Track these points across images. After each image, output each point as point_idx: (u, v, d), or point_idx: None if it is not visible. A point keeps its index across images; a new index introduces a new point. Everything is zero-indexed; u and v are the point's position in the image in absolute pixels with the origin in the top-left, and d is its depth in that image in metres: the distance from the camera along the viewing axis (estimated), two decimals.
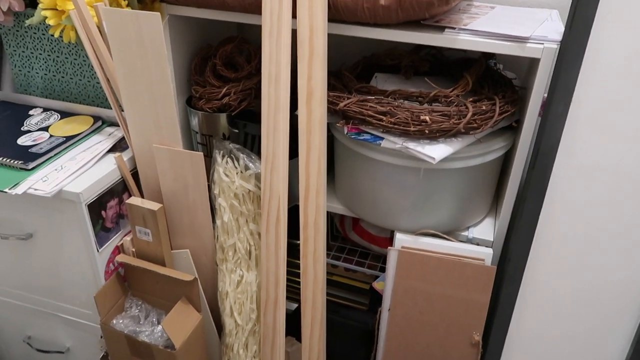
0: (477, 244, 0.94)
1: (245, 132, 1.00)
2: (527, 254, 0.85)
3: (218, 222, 0.99)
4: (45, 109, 1.11)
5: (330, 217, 1.20)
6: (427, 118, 0.80)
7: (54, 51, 1.06)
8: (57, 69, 1.08)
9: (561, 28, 0.83)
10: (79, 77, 1.07)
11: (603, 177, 0.78)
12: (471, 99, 0.85)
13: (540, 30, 0.81)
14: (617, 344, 0.89)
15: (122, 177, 0.99)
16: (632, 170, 0.77)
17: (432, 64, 1.01)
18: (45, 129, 1.04)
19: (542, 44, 0.77)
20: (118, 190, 0.99)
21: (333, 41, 0.86)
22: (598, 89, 0.74)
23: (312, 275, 0.92)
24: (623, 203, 0.79)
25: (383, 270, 1.11)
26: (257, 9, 0.85)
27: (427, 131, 0.81)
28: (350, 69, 1.01)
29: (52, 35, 0.99)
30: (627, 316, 0.86)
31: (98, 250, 0.96)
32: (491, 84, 0.92)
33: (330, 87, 0.93)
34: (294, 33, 0.82)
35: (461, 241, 0.95)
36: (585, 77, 0.74)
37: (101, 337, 1.06)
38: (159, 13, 0.82)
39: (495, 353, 0.94)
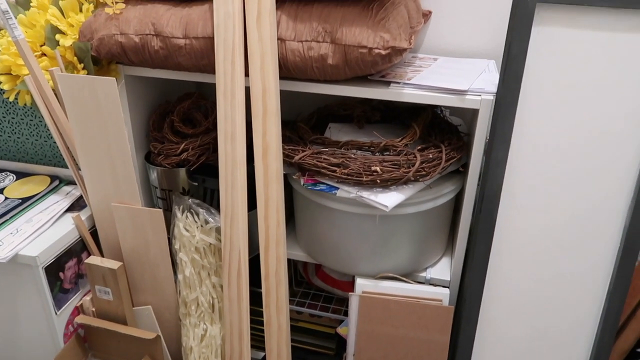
0: (435, 285, 0.97)
1: (205, 186, 1.02)
2: (481, 294, 0.89)
3: (180, 276, 0.99)
4: (1, 170, 1.10)
5: (294, 263, 1.21)
6: (378, 168, 0.84)
7: (9, 113, 1.06)
8: (13, 130, 1.08)
9: (497, 79, 0.89)
10: (35, 138, 1.07)
11: (547, 215, 0.83)
12: (419, 147, 0.90)
13: (478, 82, 0.87)
14: None
15: (80, 237, 0.98)
16: (574, 207, 0.82)
17: (383, 112, 1.07)
18: (1, 191, 1.03)
19: (480, 95, 0.83)
20: (77, 250, 0.98)
21: (288, 93, 0.90)
22: (533, 135, 0.80)
23: (275, 326, 0.93)
24: (567, 240, 0.84)
25: (347, 313, 1.12)
26: (211, 70, 0.89)
27: (379, 180, 0.84)
28: (306, 120, 1.05)
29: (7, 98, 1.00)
30: (581, 349, 0.90)
31: (56, 313, 0.94)
32: (438, 131, 0.97)
33: (286, 139, 0.97)
34: (247, 90, 0.86)
35: (420, 282, 0.98)
36: (521, 124, 0.80)
37: None
38: (114, 78, 0.84)
39: None
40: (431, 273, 0.98)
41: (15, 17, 0.94)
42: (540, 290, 0.88)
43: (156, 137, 1.05)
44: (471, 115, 1.04)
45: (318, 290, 1.19)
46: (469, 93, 0.83)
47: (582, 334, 0.89)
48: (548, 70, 0.77)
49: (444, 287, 0.95)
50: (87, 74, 0.94)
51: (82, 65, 0.95)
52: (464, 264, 0.95)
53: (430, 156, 0.87)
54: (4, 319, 0.97)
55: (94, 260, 0.96)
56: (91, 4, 0.97)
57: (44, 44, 0.94)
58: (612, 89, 0.75)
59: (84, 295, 1.01)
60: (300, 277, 1.23)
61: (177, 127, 1.04)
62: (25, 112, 1.05)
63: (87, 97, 0.87)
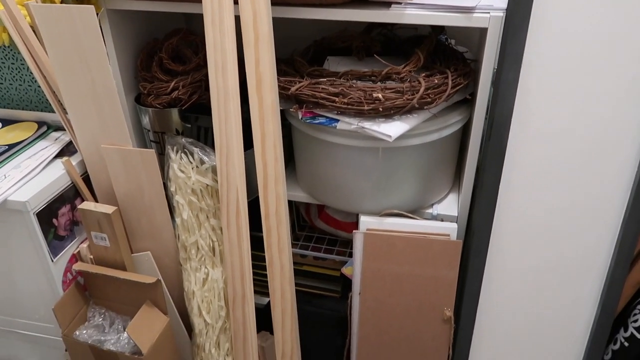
0: (442, 220, 0.93)
1: (198, 125, 0.97)
2: (490, 226, 0.85)
3: (177, 220, 0.96)
4: None
5: (296, 206, 1.18)
6: (380, 95, 0.79)
7: None
8: None
9: None
10: (18, 82, 1.02)
11: (559, 142, 0.78)
12: (424, 74, 0.84)
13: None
14: (584, 309, 0.90)
15: (72, 182, 0.94)
16: (586, 133, 0.77)
17: (383, 43, 1.00)
18: None
19: (489, 13, 0.76)
20: (69, 196, 0.94)
21: (282, 27, 0.84)
22: (547, 54, 0.74)
23: (278, 266, 0.90)
24: (580, 167, 0.79)
25: (352, 255, 1.09)
26: None
27: (381, 109, 0.79)
28: (302, 53, 0.99)
29: None
30: (593, 280, 0.87)
31: (52, 260, 0.91)
32: (443, 58, 0.91)
33: (282, 73, 0.91)
34: (237, 20, 0.80)
35: (426, 219, 0.94)
36: (533, 42, 0.74)
37: (66, 350, 1.01)
38: (92, 6, 0.78)
39: (467, 327, 0.94)
40: (438, 209, 0.95)
41: None
42: (552, 220, 0.84)
43: (145, 77, 1.00)
44: (478, 41, 0.98)
45: (321, 233, 1.16)
46: (476, 10, 0.77)
47: (594, 264, 0.86)
48: None
49: (451, 222, 0.92)
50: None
51: None
52: (472, 198, 0.91)
53: (436, 82, 0.81)
54: (0, 268, 0.95)
55: (88, 205, 0.92)
56: None
57: None
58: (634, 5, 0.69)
59: (81, 243, 0.98)
60: (303, 221, 1.20)
61: (167, 65, 0.98)
62: (6, 55, 0.99)
63: (65, 29, 0.81)
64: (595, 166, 0.79)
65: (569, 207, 0.83)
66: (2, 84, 1.03)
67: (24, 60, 0.94)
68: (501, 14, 0.76)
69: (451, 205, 0.96)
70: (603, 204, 0.81)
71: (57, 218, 0.92)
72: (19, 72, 1.00)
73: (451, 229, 0.89)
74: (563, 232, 0.85)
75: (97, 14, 0.91)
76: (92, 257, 0.97)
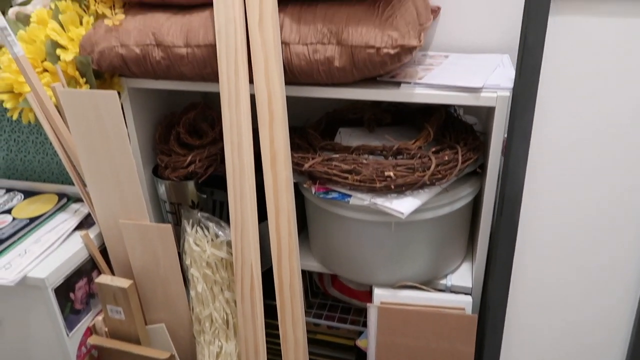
0: (456, 292, 0.93)
1: (213, 199, 0.99)
2: (505, 300, 0.84)
3: (192, 293, 0.96)
4: (9, 190, 1.09)
5: (309, 273, 1.18)
6: (392, 173, 0.80)
7: (15, 131, 1.05)
8: (19, 148, 1.06)
9: (512, 74, 0.85)
10: (41, 155, 1.06)
11: (571, 214, 0.79)
12: (434, 149, 0.86)
13: (492, 78, 0.83)
14: None
15: (90, 255, 0.96)
16: (598, 206, 0.77)
17: (394, 114, 1.03)
18: (9, 211, 1.01)
19: (496, 92, 0.78)
20: (87, 269, 0.96)
21: (295, 99, 0.87)
22: (554, 130, 0.75)
23: (292, 341, 0.90)
24: (593, 238, 0.79)
25: (366, 324, 1.08)
26: (215, 78, 0.86)
27: (393, 186, 0.80)
28: (315, 125, 1.02)
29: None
30: (615, 350, 0.85)
31: (68, 335, 0.92)
32: (453, 131, 0.93)
33: (295, 146, 0.93)
34: (253, 97, 0.83)
35: (440, 290, 0.93)
36: (541, 120, 0.76)
37: None
38: (115, 91, 0.82)
39: None
40: (452, 280, 0.94)
41: (15, 34, 0.92)
42: (569, 293, 0.83)
43: (163, 150, 1.03)
44: (487, 113, 1.00)
45: (335, 300, 1.16)
46: (484, 90, 0.79)
47: (615, 337, 0.84)
48: (567, 61, 0.72)
49: (465, 294, 0.91)
50: (90, 88, 0.92)
51: (85, 79, 0.93)
52: (486, 269, 0.91)
53: (446, 158, 0.83)
54: (15, 342, 0.95)
55: (104, 279, 0.93)
56: (91, 17, 0.95)
57: (45, 60, 0.92)
58: (635, 77, 0.71)
59: (96, 315, 0.99)
60: (316, 288, 1.19)
61: (184, 139, 1.01)
62: (31, 130, 1.03)
63: (89, 111, 0.85)
64: (607, 237, 0.79)
65: (585, 279, 0.82)
66: (26, 156, 1.07)
67: (48, 136, 0.98)
68: (508, 93, 0.78)
69: (465, 275, 0.96)
70: (619, 275, 0.80)
71: (74, 292, 0.93)
72: (42, 146, 1.04)
73: (466, 302, 0.88)
74: (582, 306, 0.83)
75: (119, 93, 0.96)
76: (107, 329, 0.97)
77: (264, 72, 0.81)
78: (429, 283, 0.93)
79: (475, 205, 0.96)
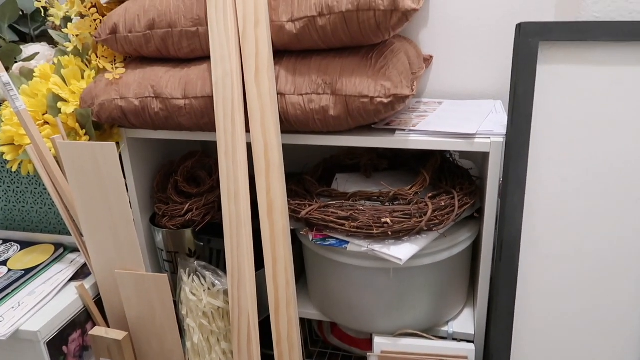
0: (459, 339, 0.91)
1: (210, 247, 0.98)
2: (509, 346, 0.82)
3: (188, 344, 0.94)
4: (5, 241, 1.08)
5: (309, 321, 1.16)
6: (389, 220, 0.80)
7: (14, 182, 1.05)
8: (17, 199, 1.07)
9: (505, 120, 0.86)
10: (39, 206, 1.06)
11: (571, 260, 0.78)
12: (430, 194, 0.86)
13: (486, 124, 0.84)
14: None
15: (85, 307, 0.94)
16: (597, 252, 0.77)
17: (390, 159, 1.04)
18: (4, 262, 1.00)
19: (489, 138, 0.80)
20: (81, 321, 0.94)
21: (292, 146, 0.88)
22: (549, 175, 0.76)
23: None
24: (595, 283, 0.78)
25: None
26: (212, 128, 0.87)
27: (390, 232, 0.80)
28: (312, 172, 1.03)
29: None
30: None
31: None
32: (449, 176, 0.93)
33: (292, 193, 0.94)
34: (250, 146, 0.84)
35: (442, 337, 0.91)
36: (535, 165, 0.76)
37: None
38: (113, 143, 0.83)
39: None
40: (453, 327, 0.92)
41: (19, 88, 0.94)
42: (573, 341, 0.81)
43: (160, 199, 1.03)
44: (482, 157, 1.01)
45: (335, 349, 1.13)
46: (477, 136, 0.80)
47: None
48: (558, 108, 0.74)
49: (468, 341, 0.89)
50: (89, 140, 0.94)
51: (84, 131, 0.94)
52: (488, 315, 0.89)
53: (443, 203, 0.83)
54: None
55: (99, 331, 0.92)
56: (93, 71, 0.97)
57: (46, 112, 0.94)
58: (625, 123, 0.72)
59: None
60: (316, 336, 1.17)
61: (181, 187, 1.02)
62: (30, 181, 1.04)
63: (87, 163, 0.85)
64: (610, 282, 0.78)
65: (589, 325, 0.80)
66: (24, 207, 1.07)
67: (46, 187, 0.98)
68: (501, 139, 0.79)
69: (467, 322, 0.94)
70: (625, 321, 0.79)
71: (67, 345, 0.91)
72: (40, 196, 1.04)
73: (468, 351, 0.86)
74: (585, 347, 0.81)
75: (118, 144, 0.97)
76: None
77: (260, 123, 0.82)
78: (430, 330, 0.91)
79: (475, 250, 0.96)
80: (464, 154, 1.09)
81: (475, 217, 0.91)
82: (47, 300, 0.91)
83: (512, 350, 0.83)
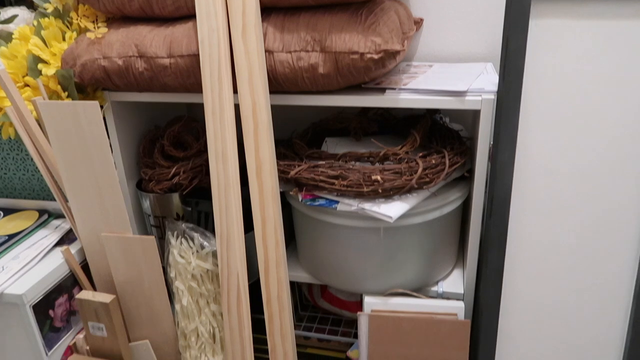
0: (448, 298, 0.91)
1: (198, 210, 0.97)
2: (498, 305, 0.83)
3: (177, 306, 0.94)
4: None
5: (298, 285, 1.16)
6: (379, 177, 0.80)
7: None
8: None
9: (496, 79, 0.86)
10: (22, 172, 1.04)
11: (562, 216, 0.78)
12: (421, 154, 0.86)
13: (477, 83, 0.83)
14: None
15: (71, 271, 0.93)
16: (589, 208, 0.77)
17: (380, 123, 1.03)
18: None
19: (480, 95, 0.79)
20: (67, 286, 0.93)
21: (281, 110, 0.87)
22: (539, 132, 0.76)
23: (281, 354, 0.87)
24: (586, 241, 0.79)
25: (357, 335, 1.06)
26: (199, 88, 0.85)
27: (380, 190, 0.80)
28: (301, 136, 1.01)
29: None
30: (606, 355, 0.84)
31: (47, 354, 0.88)
32: (439, 137, 0.93)
33: (281, 156, 0.93)
34: (237, 107, 0.82)
35: (432, 297, 0.92)
36: (526, 122, 0.76)
37: None
38: (97, 102, 0.81)
39: None
40: (443, 286, 0.93)
41: None
42: (561, 299, 0.82)
43: (147, 163, 1.01)
44: (472, 118, 1.01)
45: (325, 313, 1.14)
46: (468, 94, 0.79)
47: (610, 343, 0.83)
48: (549, 63, 0.73)
49: (457, 300, 0.90)
50: None
51: (66, 93, 0.92)
52: (478, 274, 0.90)
53: (433, 162, 0.83)
54: None
55: (85, 295, 0.90)
56: (74, 32, 0.94)
57: (27, 75, 0.91)
58: (618, 78, 0.72)
59: (77, 333, 0.95)
60: (306, 301, 1.17)
61: (168, 151, 1.00)
62: (11, 147, 1.01)
63: (70, 124, 0.83)
64: (598, 241, 0.78)
65: (577, 284, 0.81)
66: (6, 174, 1.04)
67: (28, 151, 0.96)
68: (492, 96, 0.78)
69: (457, 281, 0.95)
70: (612, 280, 0.80)
71: (53, 309, 0.89)
72: (22, 162, 1.02)
73: (458, 308, 0.87)
74: (575, 309, 0.82)
75: (102, 107, 0.95)
76: (88, 347, 0.94)
77: (248, 81, 0.81)
78: (420, 290, 0.92)
79: (465, 210, 0.96)
80: (453, 118, 1.08)
81: (466, 177, 0.91)
82: (32, 265, 0.89)
83: (502, 306, 0.84)
